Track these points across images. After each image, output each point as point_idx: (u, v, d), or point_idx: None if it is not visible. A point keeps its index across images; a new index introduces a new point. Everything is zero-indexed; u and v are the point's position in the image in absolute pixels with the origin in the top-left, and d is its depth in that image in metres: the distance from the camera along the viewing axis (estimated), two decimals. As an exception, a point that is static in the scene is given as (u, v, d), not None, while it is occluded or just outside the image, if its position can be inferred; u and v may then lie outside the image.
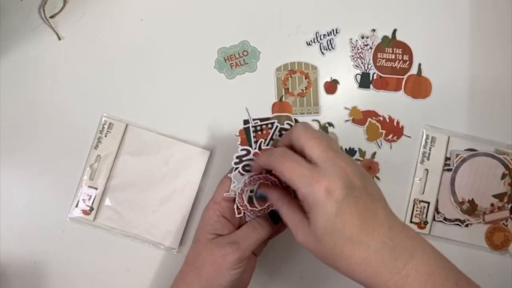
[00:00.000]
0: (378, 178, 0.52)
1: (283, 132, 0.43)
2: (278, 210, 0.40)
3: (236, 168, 0.43)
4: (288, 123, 0.43)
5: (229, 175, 0.44)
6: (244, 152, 0.43)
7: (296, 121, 0.43)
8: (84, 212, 0.50)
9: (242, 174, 0.44)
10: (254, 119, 0.44)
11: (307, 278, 0.51)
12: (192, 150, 0.51)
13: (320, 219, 0.34)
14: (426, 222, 0.51)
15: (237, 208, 0.44)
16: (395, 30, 0.52)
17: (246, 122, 0.44)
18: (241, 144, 0.43)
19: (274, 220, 0.43)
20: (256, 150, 0.43)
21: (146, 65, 0.52)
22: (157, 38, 0.52)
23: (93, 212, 0.50)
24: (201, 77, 0.52)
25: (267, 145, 0.43)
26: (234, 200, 0.44)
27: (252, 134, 0.43)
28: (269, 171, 0.43)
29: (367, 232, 0.34)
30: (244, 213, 0.44)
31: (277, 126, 0.43)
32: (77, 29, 0.52)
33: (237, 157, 0.43)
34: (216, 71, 0.52)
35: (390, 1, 0.53)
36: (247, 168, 0.44)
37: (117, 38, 0.52)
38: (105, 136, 0.51)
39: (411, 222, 0.51)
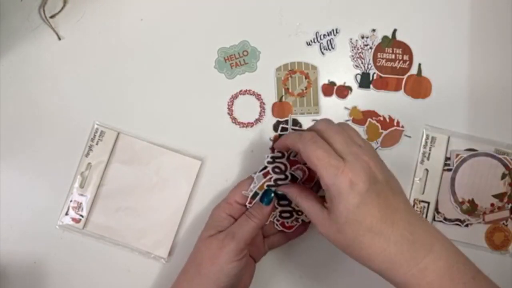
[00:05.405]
0: (378, 178, 0.52)
1: None
2: (298, 205, 0.41)
3: (264, 168, 0.44)
4: None
5: (252, 175, 0.45)
6: (280, 154, 0.44)
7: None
8: (74, 220, 0.50)
9: (269, 175, 0.44)
10: (293, 129, 0.46)
11: (307, 278, 0.51)
12: (183, 159, 0.51)
13: (342, 209, 0.35)
14: (426, 222, 0.51)
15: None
16: (395, 30, 0.52)
17: (283, 129, 0.46)
18: (272, 148, 0.45)
19: (266, 201, 0.44)
20: (291, 157, 0.44)
21: (146, 65, 0.52)
22: (157, 38, 0.52)
23: (83, 220, 0.50)
24: (201, 77, 0.52)
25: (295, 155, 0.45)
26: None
27: None
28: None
29: (387, 224, 0.35)
30: None
31: None
32: (77, 29, 0.52)
33: (271, 157, 0.44)
34: (216, 71, 0.52)
35: (390, 1, 0.53)
36: (276, 170, 0.44)
37: (117, 38, 0.52)
38: (96, 144, 0.51)
39: (411, 222, 0.51)
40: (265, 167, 0.44)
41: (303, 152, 0.37)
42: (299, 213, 0.46)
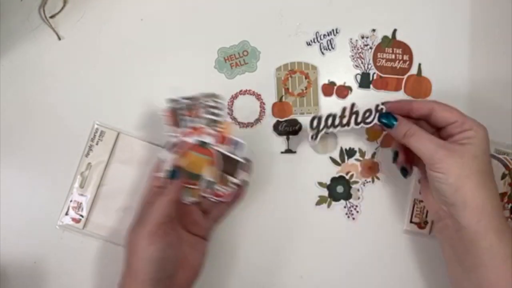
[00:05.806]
0: (378, 178, 0.52)
1: (209, 109, 0.45)
2: (409, 137, 0.43)
3: (168, 143, 0.45)
4: (214, 100, 0.45)
5: (159, 155, 0.45)
6: (175, 135, 0.45)
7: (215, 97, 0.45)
8: (74, 220, 0.50)
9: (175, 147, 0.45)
10: (183, 97, 0.45)
11: (307, 278, 0.51)
12: None
13: (483, 140, 0.41)
14: (426, 222, 0.51)
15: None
16: (395, 30, 0.52)
17: (173, 101, 0.45)
18: (168, 122, 0.45)
19: (171, 176, 0.44)
20: (184, 129, 0.45)
21: (146, 66, 0.52)
22: (157, 38, 0.52)
23: (83, 220, 0.50)
24: (201, 77, 0.52)
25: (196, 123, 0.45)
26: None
27: (180, 112, 0.45)
28: None
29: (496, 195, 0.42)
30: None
31: (203, 104, 0.45)
32: (77, 29, 0.52)
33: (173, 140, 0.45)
34: (216, 71, 0.52)
35: (390, 1, 0.53)
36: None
37: (117, 38, 0.52)
38: (96, 144, 0.51)
39: (411, 222, 0.51)
40: (169, 142, 0.45)
41: (434, 110, 0.43)
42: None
